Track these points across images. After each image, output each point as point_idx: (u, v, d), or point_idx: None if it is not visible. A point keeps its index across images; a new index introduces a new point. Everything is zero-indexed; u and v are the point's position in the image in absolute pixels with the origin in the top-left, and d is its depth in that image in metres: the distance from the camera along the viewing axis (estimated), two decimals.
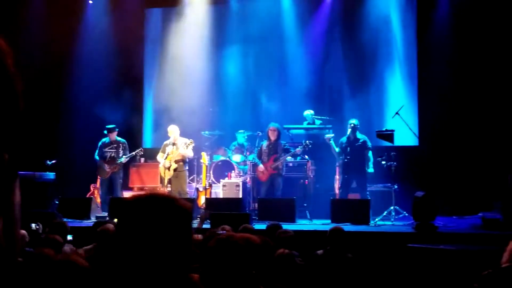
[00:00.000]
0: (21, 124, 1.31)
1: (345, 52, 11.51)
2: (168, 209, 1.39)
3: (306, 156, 10.06)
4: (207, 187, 9.88)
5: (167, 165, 9.72)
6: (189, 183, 10.47)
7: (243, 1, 12.07)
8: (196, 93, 11.73)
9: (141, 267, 1.33)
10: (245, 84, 11.93)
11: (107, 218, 8.26)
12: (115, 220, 7.75)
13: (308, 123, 10.84)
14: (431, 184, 9.62)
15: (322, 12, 11.79)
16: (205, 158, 10.14)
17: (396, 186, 8.87)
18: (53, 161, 10.21)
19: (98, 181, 10.38)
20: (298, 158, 10.11)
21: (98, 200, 10.22)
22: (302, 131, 10.87)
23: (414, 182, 9.42)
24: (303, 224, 8.57)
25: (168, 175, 9.73)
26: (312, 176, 10.18)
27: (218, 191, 10.16)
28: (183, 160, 9.90)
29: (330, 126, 10.54)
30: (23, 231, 5.31)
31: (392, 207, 8.71)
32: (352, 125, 9.44)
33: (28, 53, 11.73)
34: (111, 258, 1.40)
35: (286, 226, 6.62)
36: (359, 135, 9.51)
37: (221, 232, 3.77)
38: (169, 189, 9.71)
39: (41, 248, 3.42)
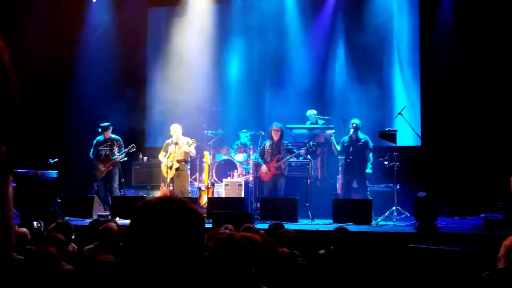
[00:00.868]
0: (17, 118, 1.32)
1: (348, 52, 11.53)
2: (181, 212, 1.40)
3: (309, 156, 10.06)
4: (209, 187, 9.89)
5: (169, 164, 9.73)
6: (191, 182, 10.49)
7: (246, 0, 12.06)
8: (199, 93, 11.74)
9: (152, 270, 1.34)
10: (248, 84, 11.95)
11: (110, 217, 8.28)
12: (117, 219, 7.78)
13: (311, 123, 10.84)
14: (434, 185, 9.61)
15: (325, 12, 11.79)
16: (207, 157, 10.16)
17: (398, 186, 8.86)
18: (56, 160, 10.22)
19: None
20: (301, 158, 10.12)
21: None
22: (305, 131, 10.88)
23: (417, 183, 9.41)
24: (305, 224, 8.57)
25: (170, 174, 9.75)
26: (314, 176, 10.19)
27: (221, 191, 10.16)
28: (185, 160, 9.91)
29: (332, 126, 10.55)
30: (25, 229, 5.33)
31: (394, 207, 8.71)
32: (355, 125, 9.45)
33: (31, 52, 11.77)
34: (123, 261, 1.41)
35: (288, 226, 6.62)
36: (361, 135, 9.52)
37: (224, 231, 3.77)
38: (171, 188, 9.72)
39: (45, 246, 3.42)
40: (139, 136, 12.00)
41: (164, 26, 12.59)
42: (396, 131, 9.19)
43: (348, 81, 11.47)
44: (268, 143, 9.85)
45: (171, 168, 9.74)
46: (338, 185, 9.94)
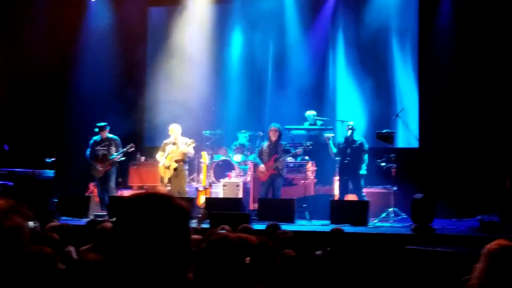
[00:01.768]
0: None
1: (347, 53, 11.54)
2: (166, 208, 1.39)
3: (307, 157, 10.07)
4: (207, 187, 9.89)
5: (167, 164, 9.73)
6: (189, 182, 10.49)
7: (246, 1, 12.07)
8: (198, 93, 11.73)
9: (138, 267, 1.33)
10: (247, 84, 11.95)
11: (107, 217, 8.27)
12: (114, 219, 7.78)
13: (310, 124, 10.85)
14: (431, 186, 9.62)
15: (324, 12, 11.78)
16: (205, 158, 10.15)
17: (395, 188, 8.88)
18: (53, 159, 10.21)
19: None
20: (299, 158, 10.13)
21: (97, 198, 10.23)
22: (303, 132, 10.89)
23: (414, 184, 9.42)
24: (302, 225, 8.58)
25: (168, 174, 9.74)
26: (312, 177, 10.21)
27: (219, 191, 10.17)
28: (183, 160, 9.90)
29: (331, 127, 10.57)
30: None
31: (391, 209, 8.73)
32: (350, 126, 9.47)
33: (30, 50, 11.77)
34: (108, 257, 1.41)
35: (285, 227, 6.64)
36: (356, 137, 9.53)
37: (221, 231, 3.78)
38: (168, 188, 9.72)
39: (41, 246, 3.43)
40: (138, 135, 11.99)
41: (164, 25, 12.58)
42: (394, 132, 9.21)
43: (346, 82, 11.48)
44: (266, 143, 9.87)
45: (169, 168, 9.74)
46: (335, 187, 9.94)
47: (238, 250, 2.07)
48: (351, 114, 10.90)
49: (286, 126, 10.52)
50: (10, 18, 11.42)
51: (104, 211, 9.28)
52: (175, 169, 9.77)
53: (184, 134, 10.06)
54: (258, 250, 2.88)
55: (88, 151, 10.11)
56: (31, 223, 5.24)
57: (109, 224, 5.27)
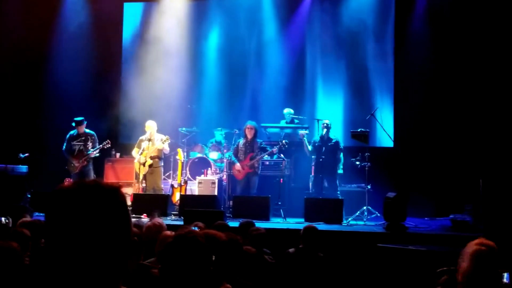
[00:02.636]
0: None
1: (324, 52, 11.59)
2: (99, 194, 1.32)
3: (282, 155, 10.11)
4: (182, 184, 9.86)
5: (142, 160, 9.68)
6: (164, 179, 10.44)
7: None
8: (174, 89, 11.67)
9: (72, 261, 1.28)
10: (224, 81, 11.93)
11: None
12: None
13: (286, 122, 10.88)
14: (405, 185, 9.73)
15: (301, 12, 11.82)
16: (181, 155, 10.12)
17: (369, 187, 8.97)
18: (26, 154, 10.07)
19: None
20: (275, 156, 10.16)
21: None
22: (279, 130, 10.92)
23: (388, 183, 9.52)
24: (276, 223, 8.61)
25: (143, 170, 9.69)
26: (288, 175, 10.24)
27: (194, 188, 10.14)
28: (158, 156, 9.87)
29: (307, 125, 10.61)
30: None
31: (365, 207, 8.81)
32: (325, 124, 9.53)
33: (4, 45, 11.59)
34: (44, 254, 1.34)
35: (260, 224, 6.66)
36: (332, 135, 9.60)
37: (194, 228, 3.78)
38: (143, 185, 9.67)
39: (8, 241, 3.38)
40: (114, 132, 11.87)
41: (140, 21, 12.49)
42: (368, 131, 9.30)
43: (322, 81, 11.55)
44: (242, 141, 9.86)
45: (144, 164, 9.69)
46: (311, 185, 9.99)
47: (204, 245, 2.06)
48: (329, 113, 10.98)
49: (262, 124, 10.53)
50: None
51: None
52: (150, 166, 9.74)
53: (160, 131, 10.02)
54: (227, 247, 2.88)
55: (64, 146, 10.00)
56: (2, 219, 5.15)
57: None
